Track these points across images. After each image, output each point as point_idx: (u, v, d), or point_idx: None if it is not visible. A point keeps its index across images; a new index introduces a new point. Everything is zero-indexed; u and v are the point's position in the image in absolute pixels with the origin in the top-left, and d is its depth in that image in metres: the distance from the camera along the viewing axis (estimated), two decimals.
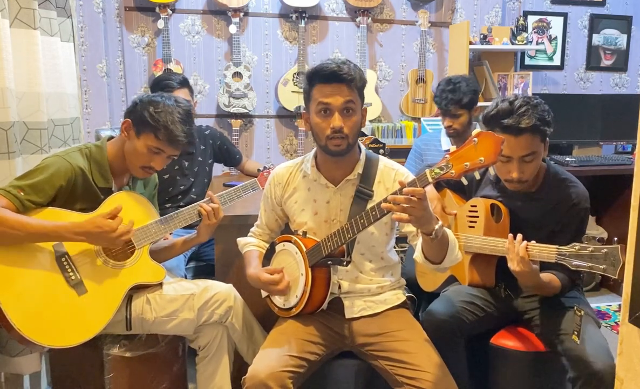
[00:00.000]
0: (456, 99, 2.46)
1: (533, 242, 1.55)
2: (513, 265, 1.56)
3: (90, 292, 1.63)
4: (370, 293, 1.69)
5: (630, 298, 0.88)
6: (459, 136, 2.52)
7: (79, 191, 1.66)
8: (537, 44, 4.07)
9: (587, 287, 3.52)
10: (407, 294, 1.78)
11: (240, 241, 1.86)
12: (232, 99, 3.52)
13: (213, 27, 3.61)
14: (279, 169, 1.77)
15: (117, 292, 1.67)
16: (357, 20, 3.69)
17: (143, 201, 1.79)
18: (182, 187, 2.52)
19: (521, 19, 3.82)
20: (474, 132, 1.30)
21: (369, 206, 1.51)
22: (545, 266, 1.60)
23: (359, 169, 1.65)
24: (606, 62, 4.23)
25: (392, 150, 2.89)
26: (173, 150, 1.73)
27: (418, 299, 2.03)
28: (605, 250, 1.37)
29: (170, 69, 3.39)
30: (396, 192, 1.37)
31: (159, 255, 1.84)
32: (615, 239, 1.48)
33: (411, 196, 1.32)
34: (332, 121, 1.53)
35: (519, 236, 1.57)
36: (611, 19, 4.18)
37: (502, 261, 1.73)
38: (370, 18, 3.72)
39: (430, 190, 1.99)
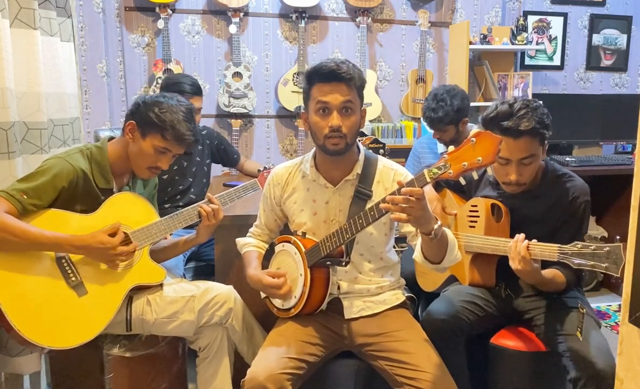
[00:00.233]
0: (437, 118, 2.48)
1: (534, 241, 1.55)
2: (514, 264, 1.56)
3: (91, 293, 1.63)
4: (370, 293, 1.69)
5: (630, 297, 0.88)
6: (449, 145, 2.52)
7: (80, 192, 1.66)
8: (537, 44, 4.07)
9: (587, 287, 3.52)
10: (406, 294, 1.78)
11: (240, 241, 1.86)
12: (232, 99, 3.52)
13: (213, 27, 3.61)
14: (278, 169, 1.77)
15: (117, 293, 1.67)
16: (357, 20, 3.69)
17: (143, 202, 1.79)
18: (180, 188, 2.52)
19: (521, 19, 3.82)
20: (471, 132, 1.30)
21: (368, 206, 1.51)
22: (548, 264, 1.60)
23: (358, 169, 1.65)
24: (606, 62, 4.23)
25: (392, 150, 2.89)
26: (179, 148, 1.75)
27: (418, 299, 2.03)
28: (607, 248, 1.37)
29: (170, 69, 3.39)
30: (394, 192, 1.37)
31: (159, 255, 1.84)
32: (617, 237, 1.47)
33: (409, 196, 1.32)
34: (331, 119, 1.53)
35: (521, 235, 1.57)
36: (611, 19, 4.18)
37: (502, 260, 1.73)
38: (370, 18, 3.72)
39: (429, 191, 1.99)
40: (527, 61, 4.09)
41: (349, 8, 3.74)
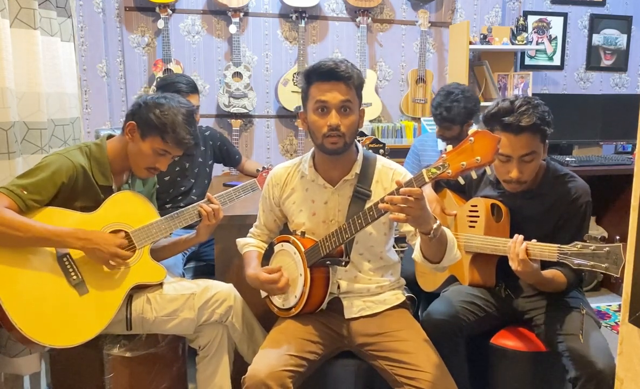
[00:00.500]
0: (450, 117, 2.46)
1: (534, 241, 1.55)
2: (514, 265, 1.56)
3: (92, 292, 1.63)
4: (370, 292, 1.69)
5: (630, 297, 0.88)
6: (451, 143, 2.52)
7: (80, 189, 1.67)
8: (537, 44, 4.07)
9: (587, 287, 3.52)
10: (406, 294, 1.78)
11: (240, 241, 1.86)
12: (232, 99, 3.52)
13: (213, 27, 3.61)
14: (277, 170, 1.77)
15: (118, 292, 1.67)
16: (357, 20, 3.69)
17: (143, 201, 1.79)
18: (182, 188, 2.52)
19: (521, 19, 3.82)
20: (470, 132, 1.30)
21: (367, 206, 1.51)
22: (548, 264, 1.60)
23: (357, 169, 1.65)
24: (606, 62, 4.23)
25: (392, 150, 2.88)
26: (178, 151, 1.75)
27: (418, 299, 2.03)
28: (607, 248, 1.37)
29: (170, 69, 3.39)
30: (393, 192, 1.37)
31: (158, 253, 1.84)
32: (617, 237, 1.47)
33: (408, 195, 1.32)
34: (329, 118, 1.53)
35: (520, 236, 1.57)
36: (611, 19, 4.18)
37: (502, 261, 1.73)
38: (370, 18, 3.72)
39: (429, 192, 1.99)
40: (527, 61, 4.09)
41: (349, 8, 3.74)
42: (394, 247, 1.78)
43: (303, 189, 1.70)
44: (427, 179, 1.34)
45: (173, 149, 1.73)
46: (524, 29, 3.79)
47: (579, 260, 1.44)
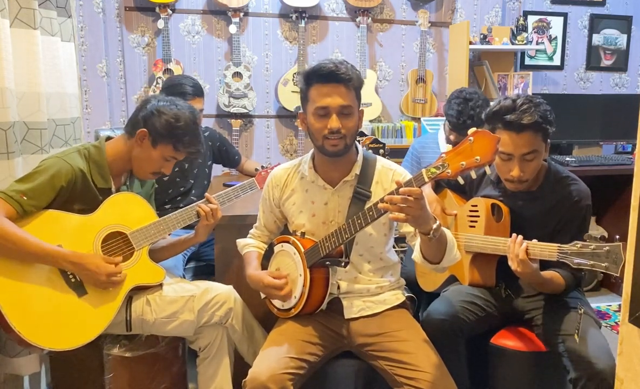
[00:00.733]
0: (476, 124, 2.36)
1: (534, 241, 1.55)
2: (514, 265, 1.56)
3: (90, 294, 1.63)
4: (370, 293, 1.69)
5: (630, 297, 0.88)
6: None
7: (78, 192, 1.66)
8: (537, 44, 4.07)
9: (587, 287, 3.52)
10: (407, 294, 1.78)
11: (240, 242, 1.86)
12: (232, 99, 3.52)
13: (213, 27, 3.61)
14: (277, 171, 1.77)
15: (117, 294, 1.67)
16: (357, 20, 3.69)
17: (142, 202, 1.79)
18: (182, 189, 2.52)
19: (521, 19, 3.82)
20: (469, 131, 1.29)
21: (367, 206, 1.50)
22: (547, 265, 1.60)
23: (357, 170, 1.65)
24: (606, 62, 4.23)
25: (392, 150, 2.88)
26: (184, 156, 1.79)
27: (418, 299, 2.03)
28: (607, 248, 1.37)
29: (170, 69, 3.39)
30: (393, 192, 1.37)
31: (157, 254, 1.84)
32: (617, 237, 1.46)
33: (407, 195, 1.32)
34: (330, 122, 1.53)
35: (519, 237, 1.57)
36: (611, 19, 4.18)
37: (502, 261, 1.73)
38: (370, 18, 3.72)
39: (428, 192, 1.99)
40: (527, 61, 4.09)
41: (349, 8, 3.73)
42: (394, 247, 1.78)
43: (303, 190, 1.70)
44: (426, 179, 1.34)
45: (182, 155, 1.77)
46: (524, 29, 3.79)
47: (579, 259, 1.44)
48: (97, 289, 1.64)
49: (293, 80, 3.62)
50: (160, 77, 3.36)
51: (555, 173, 1.77)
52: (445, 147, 2.68)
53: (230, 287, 1.82)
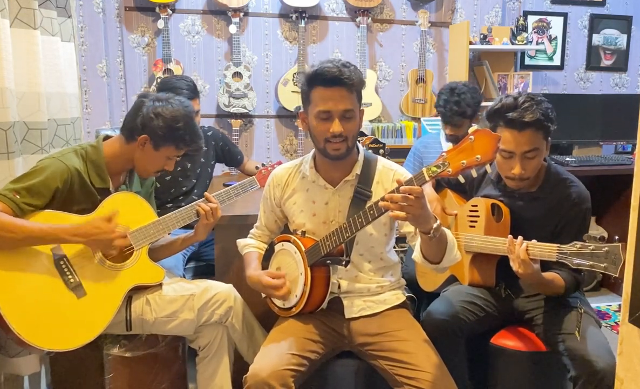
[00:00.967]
0: (460, 111, 2.46)
1: (534, 241, 1.55)
2: (515, 266, 1.56)
3: (90, 294, 1.63)
4: (370, 292, 1.69)
5: (630, 297, 0.88)
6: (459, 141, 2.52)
7: (76, 193, 1.66)
8: (537, 44, 4.07)
9: (587, 287, 3.52)
10: (407, 294, 1.78)
11: (240, 242, 1.86)
12: (232, 99, 3.52)
13: (213, 27, 3.61)
14: (278, 171, 1.77)
15: (116, 294, 1.67)
16: (357, 20, 3.69)
17: (141, 202, 1.78)
18: (184, 189, 2.52)
19: (521, 19, 3.82)
20: (470, 130, 1.30)
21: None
22: (547, 266, 1.60)
23: (357, 169, 1.65)
24: (606, 62, 4.23)
25: (392, 150, 2.88)
26: (186, 152, 1.80)
27: (418, 299, 2.03)
28: (606, 248, 1.37)
29: (170, 69, 3.39)
30: (394, 190, 1.37)
31: (157, 253, 1.84)
32: (617, 237, 1.47)
33: (408, 194, 1.32)
34: (332, 126, 1.53)
35: (520, 238, 1.57)
36: (611, 19, 4.18)
37: (502, 260, 1.73)
38: (370, 18, 3.72)
39: (429, 192, 1.99)
40: (527, 61, 4.09)
41: (349, 8, 3.73)
42: (394, 247, 1.78)
43: (304, 189, 1.70)
44: (427, 178, 1.34)
45: (183, 152, 1.78)
46: (524, 29, 3.79)
47: (578, 260, 1.44)
48: (97, 290, 1.63)
49: (293, 80, 3.62)
50: (160, 77, 3.36)
51: (555, 174, 1.77)
52: (447, 146, 2.68)
53: (230, 286, 1.82)
